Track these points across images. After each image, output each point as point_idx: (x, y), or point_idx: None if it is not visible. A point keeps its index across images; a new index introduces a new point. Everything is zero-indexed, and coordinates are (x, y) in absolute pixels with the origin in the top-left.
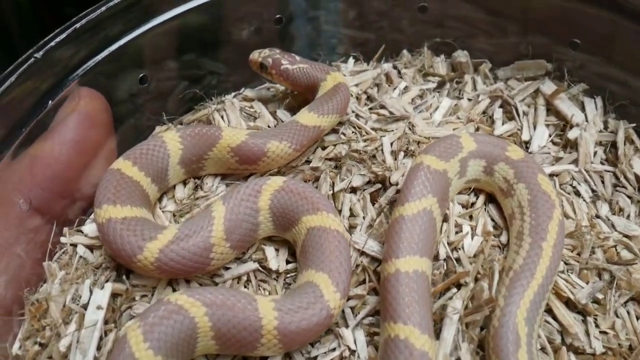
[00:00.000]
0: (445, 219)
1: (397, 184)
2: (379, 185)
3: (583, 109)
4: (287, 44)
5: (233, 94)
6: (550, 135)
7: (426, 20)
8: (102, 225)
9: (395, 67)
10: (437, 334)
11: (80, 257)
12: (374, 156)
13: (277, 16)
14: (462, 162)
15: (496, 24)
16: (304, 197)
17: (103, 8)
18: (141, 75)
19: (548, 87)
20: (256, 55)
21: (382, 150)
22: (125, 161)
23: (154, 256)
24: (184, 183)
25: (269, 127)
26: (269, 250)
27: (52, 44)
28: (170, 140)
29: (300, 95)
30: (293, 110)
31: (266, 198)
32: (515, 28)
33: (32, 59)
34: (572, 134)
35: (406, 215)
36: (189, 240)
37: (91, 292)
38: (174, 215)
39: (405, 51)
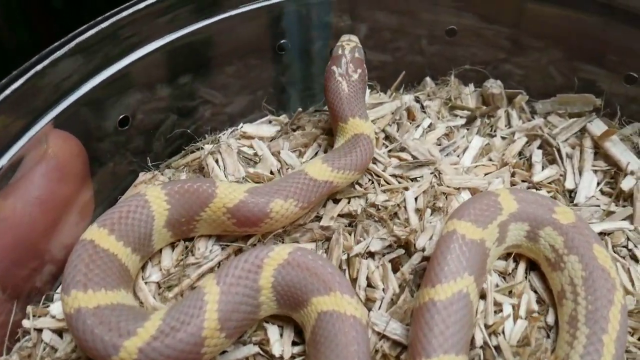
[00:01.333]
0: (482, 294)
1: (423, 250)
2: (402, 251)
3: (639, 154)
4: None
5: (230, 129)
6: (598, 184)
7: (451, 42)
8: (70, 316)
9: (417, 100)
10: None
11: (46, 344)
12: (395, 214)
13: (282, 42)
14: (502, 226)
15: (536, 50)
16: (313, 273)
17: (74, 42)
18: (122, 116)
19: (597, 126)
20: (340, 38)
21: (404, 207)
22: (100, 229)
23: (132, 357)
24: (172, 246)
25: (271, 172)
26: (272, 331)
27: (15, 86)
28: (155, 199)
29: (315, 125)
30: (299, 149)
31: (268, 275)
32: (559, 56)
33: None
34: (625, 184)
35: (438, 301)
36: (176, 334)
37: None
38: (159, 287)
39: (428, 79)
